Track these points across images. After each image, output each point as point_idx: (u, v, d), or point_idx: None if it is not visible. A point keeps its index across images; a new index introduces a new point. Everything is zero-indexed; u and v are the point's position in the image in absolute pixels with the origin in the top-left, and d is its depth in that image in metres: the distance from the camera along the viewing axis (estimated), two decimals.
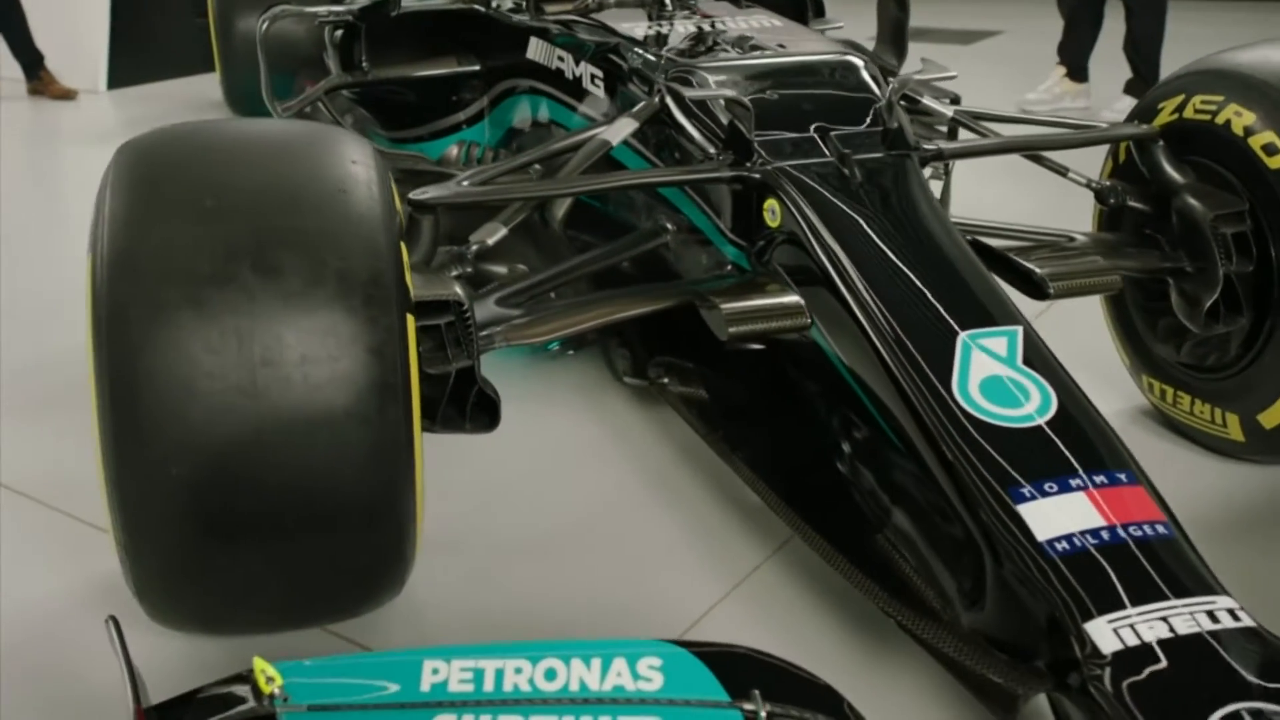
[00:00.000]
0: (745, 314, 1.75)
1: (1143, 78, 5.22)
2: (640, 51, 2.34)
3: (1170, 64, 5.38)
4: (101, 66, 6.51)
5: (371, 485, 1.58)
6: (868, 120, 2.05)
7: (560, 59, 2.73)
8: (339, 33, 3.39)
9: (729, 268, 2.07)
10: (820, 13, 3.40)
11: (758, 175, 1.94)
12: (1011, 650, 1.42)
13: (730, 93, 1.98)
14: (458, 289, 1.77)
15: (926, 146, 2.06)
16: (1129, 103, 5.23)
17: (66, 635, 1.93)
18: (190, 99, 6.22)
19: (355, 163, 1.69)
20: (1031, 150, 2.22)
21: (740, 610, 1.94)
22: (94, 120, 6.04)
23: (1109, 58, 5.59)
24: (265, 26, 3.16)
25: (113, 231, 1.54)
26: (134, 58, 6.61)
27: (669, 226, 2.28)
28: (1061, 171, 2.22)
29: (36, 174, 5.24)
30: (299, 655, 1.83)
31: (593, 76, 2.55)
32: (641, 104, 2.15)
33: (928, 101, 2.27)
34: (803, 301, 1.78)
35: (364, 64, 3.35)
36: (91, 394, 1.55)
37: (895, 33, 2.72)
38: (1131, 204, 2.19)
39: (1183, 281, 2.12)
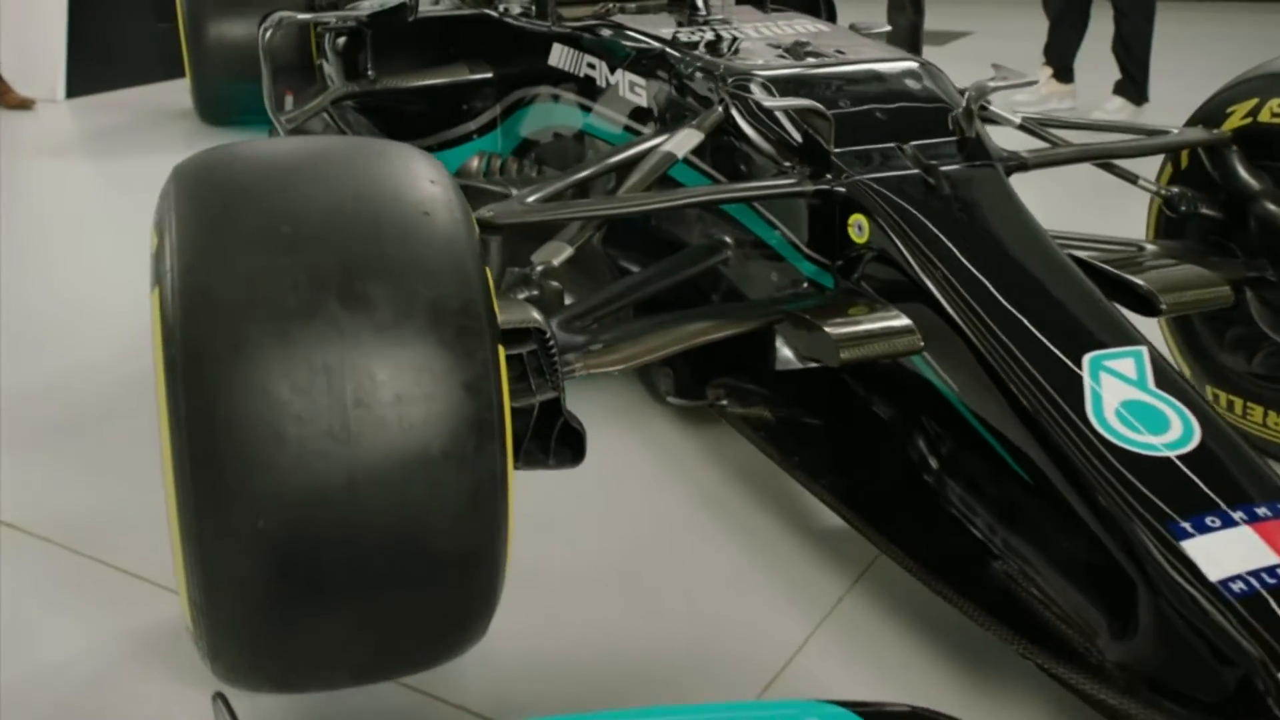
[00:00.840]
0: (858, 338, 1.65)
1: (1132, 78, 5.21)
2: (692, 59, 2.24)
3: (1158, 64, 5.40)
4: (59, 75, 6.28)
5: (468, 531, 1.46)
6: (945, 129, 1.97)
7: (590, 66, 2.62)
8: (341, 40, 3.26)
9: (804, 285, 1.98)
10: (832, 17, 3.32)
11: (842, 189, 1.84)
12: (1177, 694, 1.34)
13: (808, 102, 1.89)
14: (537, 314, 1.66)
15: (1008, 156, 1.98)
16: (1119, 103, 5.22)
17: (115, 700, 1.78)
18: (155, 107, 6.03)
19: (434, 182, 1.57)
20: (1107, 158, 2.15)
21: (833, 646, 1.84)
22: (54, 130, 5.82)
23: (1091, 58, 5.58)
24: (268, 34, 3.01)
25: (183, 263, 1.41)
26: (92, 66, 6.38)
27: (728, 241, 2.18)
28: (1131, 179, 2.16)
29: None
30: (371, 710, 1.74)
31: (632, 85, 2.44)
32: (704, 114, 2.05)
33: (994, 109, 2.20)
34: (912, 323, 1.68)
35: (369, 72, 3.21)
36: (164, 442, 1.42)
37: (911, 36, 2.65)
38: (1202, 210, 2.13)
39: (1263, 290, 2.05)
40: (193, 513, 1.38)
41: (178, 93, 6.12)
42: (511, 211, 1.80)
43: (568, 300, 2.01)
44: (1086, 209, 2.57)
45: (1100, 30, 5.57)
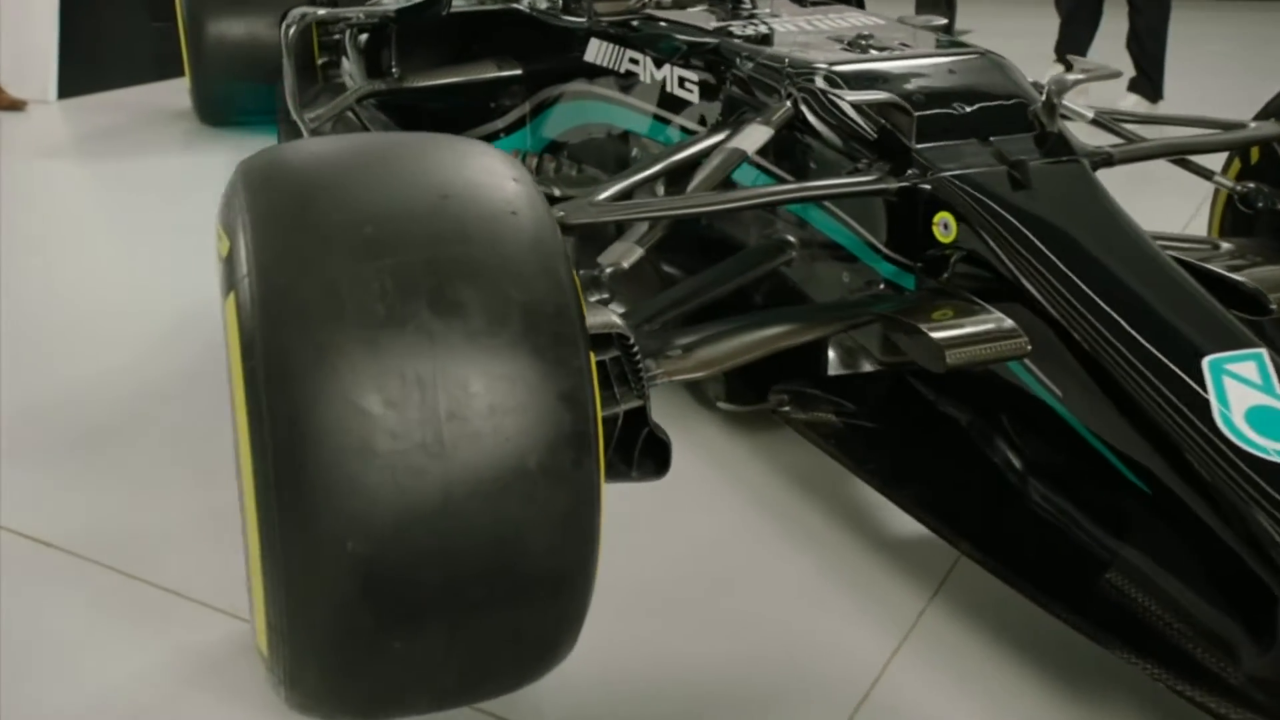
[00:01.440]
0: (962, 341, 1.58)
1: (1147, 75, 5.17)
2: (751, 54, 2.16)
3: (1173, 61, 5.37)
4: (51, 76, 6.14)
5: (563, 550, 1.39)
6: (1025, 124, 1.90)
7: (633, 62, 2.54)
8: (364, 37, 3.16)
9: (880, 286, 1.90)
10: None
11: (928, 186, 1.77)
12: None
13: (889, 96, 1.81)
14: (617, 318, 1.58)
15: (1093, 151, 1.92)
16: (1134, 100, 5.18)
17: None
18: (151, 107, 5.90)
19: (516, 180, 1.49)
20: (1188, 153, 2.09)
21: (920, 663, 1.77)
22: (48, 131, 5.69)
23: (1103, 55, 5.54)
24: (291, 31, 2.91)
25: (262, 267, 1.32)
26: (84, 66, 6.25)
27: (792, 241, 2.11)
28: (1207, 175, 2.09)
29: None
30: None
31: (682, 80, 2.36)
32: (770, 109, 1.98)
33: (1067, 103, 2.13)
34: (1017, 326, 1.61)
35: (394, 69, 3.12)
36: (242, 458, 1.34)
37: (945, 33, 2.57)
38: (1278, 207, 2.07)
39: None
40: (276, 533, 1.29)
41: (174, 93, 6.00)
42: (584, 211, 1.72)
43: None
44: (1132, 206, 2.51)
45: (1110, 29, 5.54)
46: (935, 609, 1.89)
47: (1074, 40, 5.42)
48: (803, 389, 2.13)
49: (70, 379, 2.78)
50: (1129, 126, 2.16)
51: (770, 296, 2.18)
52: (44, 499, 2.26)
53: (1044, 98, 1.92)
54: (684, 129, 2.38)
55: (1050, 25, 5.88)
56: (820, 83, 1.96)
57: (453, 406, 1.30)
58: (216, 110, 5.31)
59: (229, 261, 1.39)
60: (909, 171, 1.81)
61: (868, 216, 1.90)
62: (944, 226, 1.75)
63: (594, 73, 2.71)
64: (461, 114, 3.12)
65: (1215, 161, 2.31)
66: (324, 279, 1.31)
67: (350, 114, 3.10)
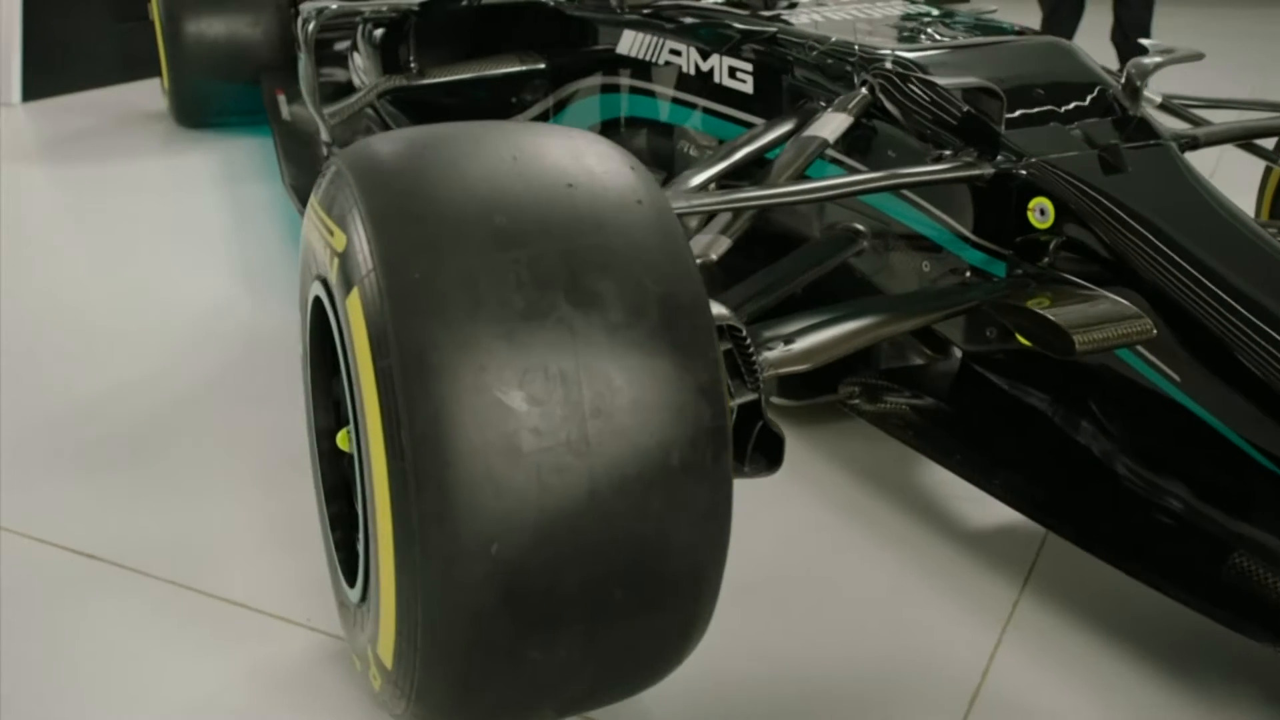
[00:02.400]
0: (1088, 324, 1.54)
1: None
2: (816, 42, 2.12)
3: None
4: (15, 78, 5.97)
5: (701, 547, 1.34)
6: (1107, 108, 1.88)
7: (674, 53, 2.50)
8: (378, 32, 3.09)
9: (968, 274, 1.87)
10: None
11: (1023, 172, 1.74)
12: None
13: (980, 80, 1.78)
14: (727, 310, 1.54)
15: (1178, 134, 1.90)
16: None
17: None
18: (123, 109, 5.75)
19: (634, 169, 1.44)
20: (1262, 135, 2.08)
21: (1023, 655, 1.74)
22: (17, 135, 5.52)
23: (1086, 47, 5.58)
24: (310, 26, 2.82)
25: (389, 261, 1.26)
26: (50, 68, 6.09)
27: (862, 230, 2.07)
28: (1274, 159, 2.09)
29: None
30: None
31: (733, 70, 2.32)
32: (846, 97, 1.94)
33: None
34: (1138, 309, 1.58)
35: (412, 64, 3.05)
36: (375, 462, 1.27)
37: None
38: None
39: None
40: (416, 538, 1.23)
41: (145, 94, 5.86)
42: (679, 201, 1.67)
43: None
44: None
45: (1093, 23, 5.58)
46: (1028, 599, 1.87)
47: (1058, 31, 5.43)
48: (873, 381, 2.10)
49: (81, 389, 2.68)
50: (1197, 111, 2.15)
51: (841, 289, 2.14)
52: (80, 510, 2.17)
53: (1123, 81, 1.90)
54: (734, 120, 2.34)
55: (1033, 18, 5.92)
56: (903, 71, 1.93)
57: (597, 402, 1.25)
58: (195, 111, 5.19)
59: (345, 256, 1.33)
60: (999, 157, 1.78)
61: (952, 203, 1.87)
62: (1040, 212, 1.73)
63: (628, 65, 2.66)
64: (482, 108, 3.06)
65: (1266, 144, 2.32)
66: (460, 271, 1.26)
67: (370, 110, 3.03)
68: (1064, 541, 1.96)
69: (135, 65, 6.15)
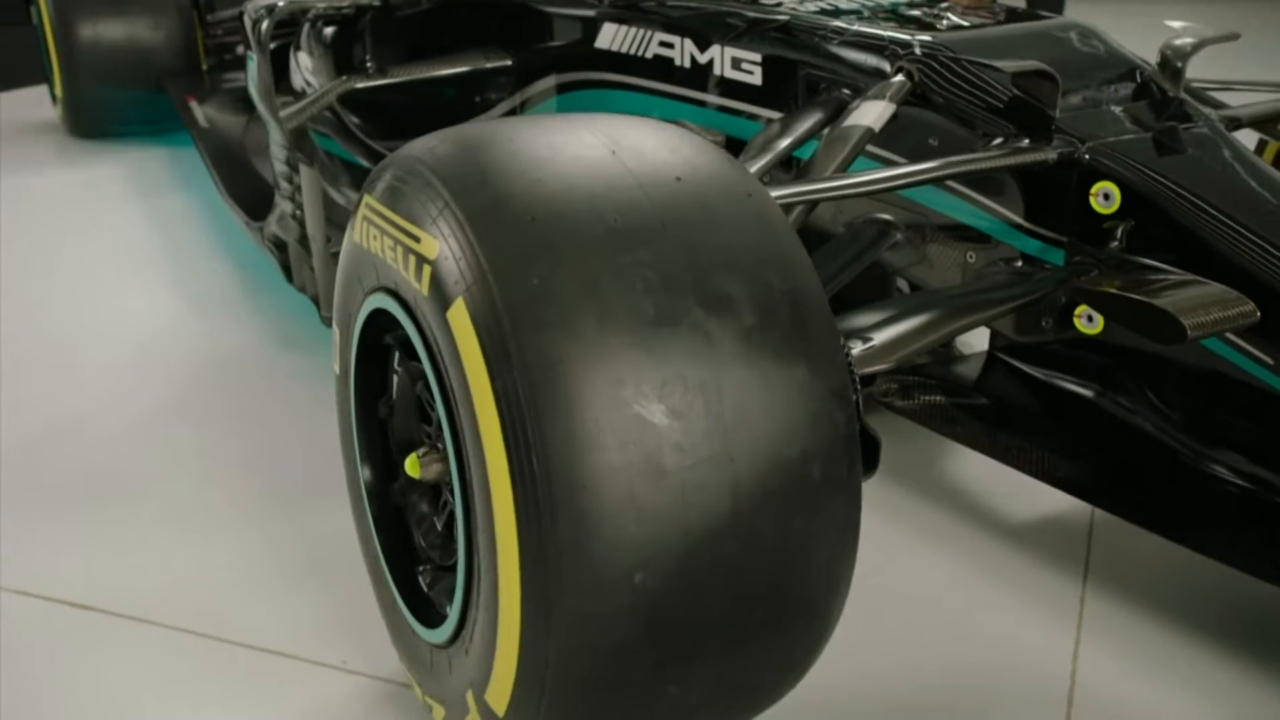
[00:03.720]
0: (1197, 308, 1.50)
1: None
2: (838, 30, 2.04)
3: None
4: None
5: (838, 562, 1.25)
6: (1148, 90, 1.85)
7: (666, 45, 2.40)
8: (329, 30, 2.91)
9: (1018, 263, 1.82)
10: None
11: (1086, 156, 1.70)
12: None
13: (1036, 64, 1.73)
14: None
15: (1221, 116, 1.88)
16: None
17: None
18: (5, 120, 5.37)
19: (730, 161, 1.35)
20: None
21: (1104, 651, 1.70)
22: None
23: None
24: (264, 25, 2.63)
25: (500, 268, 1.14)
26: None
27: (892, 222, 2.01)
28: None
29: None
30: None
31: (737, 62, 2.24)
32: (883, 85, 1.87)
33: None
34: (1239, 293, 1.54)
35: (368, 64, 2.88)
36: (497, 489, 1.15)
37: None
38: None
39: None
40: (549, 572, 1.12)
41: (29, 103, 5.50)
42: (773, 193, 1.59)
43: None
44: None
45: None
46: (1093, 593, 1.83)
47: None
48: (908, 377, 2.04)
49: (34, 428, 2.44)
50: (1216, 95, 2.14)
51: (874, 284, 2.08)
52: (63, 558, 1.97)
53: (1160, 62, 1.88)
54: (738, 113, 2.25)
55: None
56: (940, 56, 1.86)
57: (737, 413, 1.15)
58: (91, 121, 4.88)
59: (439, 264, 1.20)
60: (1055, 141, 1.73)
61: (1001, 190, 1.82)
62: (1104, 197, 1.68)
63: (609, 59, 2.55)
64: (442, 108, 2.91)
65: None
66: (582, 276, 1.14)
67: (329, 113, 2.86)
68: (1110, 529, 1.95)
69: (9, 73, 5.77)
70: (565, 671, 1.16)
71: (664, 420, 1.12)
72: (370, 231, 1.37)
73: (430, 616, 1.45)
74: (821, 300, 1.25)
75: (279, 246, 2.82)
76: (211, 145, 3.75)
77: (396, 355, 1.51)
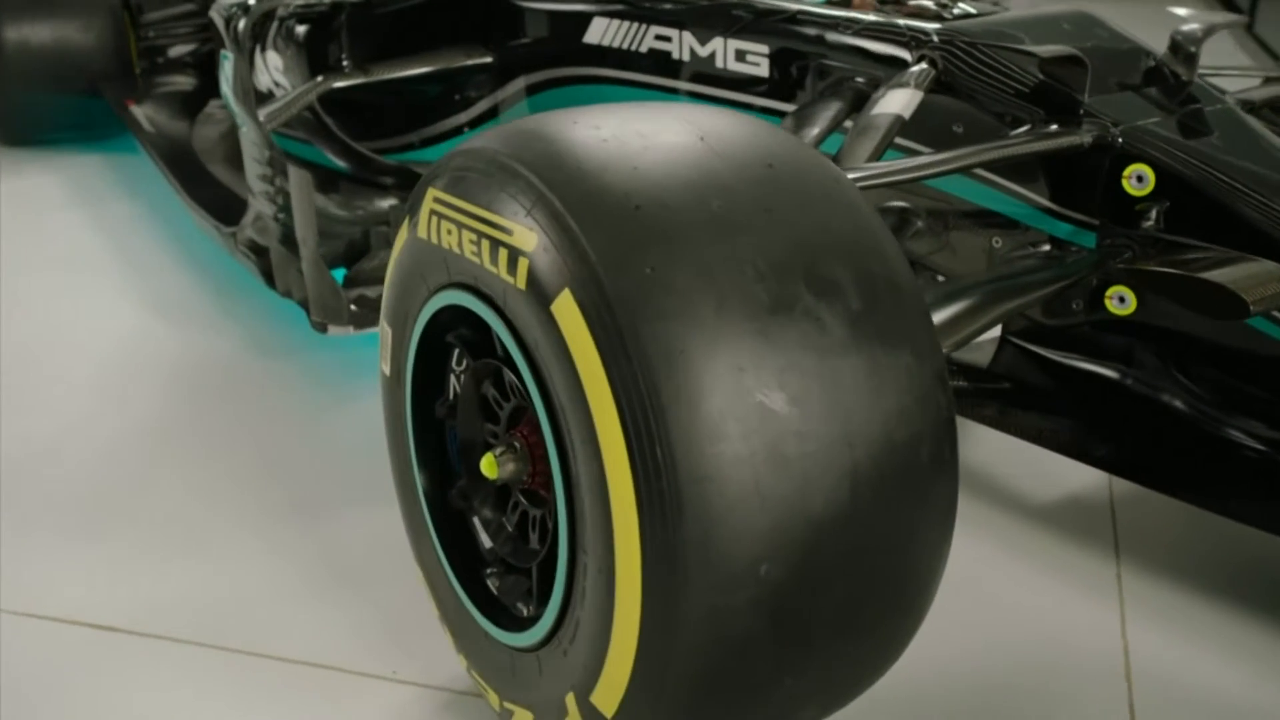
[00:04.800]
0: (1254, 283, 1.52)
1: None
2: (850, 20, 2.04)
3: None
4: None
5: (940, 546, 1.25)
6: (1162, 75, 1.89)
7: (662, 39, 2.38)
8: (301, 28, 2.84)
9: (1046, 247, 1.84)
10: None
11: (1120, 139, 1.72)
12: None
13: (1067, 49, 1.75)
14: None
15: (1235, 100, 1.92)
16: None
17: None
18: None
19: (812, 150, 1.34)
20: None
21: (1150, 627, 1.72)
22: None
23: None
24: (242, 24, 2.54)
25: (609, 257, 1.12)
26: None
27: (910, 208, 2.02)
28: None
29: None
30: None
31: (741, 54, 2.23)
32: (907, 73, 1.87)
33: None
34: None
35: (344, 62, 2.81)
36: (617, 485, 1.12)
37: None
38: None
39: None
40: (675, 567, 1.09)
41: None
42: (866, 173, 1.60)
43: None
44: None
45: None
46: (1128, 569, 1.86)
47: None
48: None
49: (19, 446, 2.35)
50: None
51: None
52: (74, 577, 1.89)
53: (1170, 48, 1.92)
54: (743, 105, 2.24)
55: None
56: (963, 43, 1.88)
57: (853, 398, 1.14)
58: (19, 128, 4.68)
59: (538, 256, 1.17)
60: (1084, 126, 1.76)
61: (1029, 175, 1.84)
62: (1138, 179, 1.71)
63: (599, 54, 2.53)
64: (419, 108, 2.86)
65: None
66: (695, 263, 1.12)
67: (308, 113, 2.78)
68: (1129, 505, 2.00)
69: None
70: (686, 669, 1.14)
71: (785, 408, 1.11)
72: (442, 226, 1.33)
73: (506, 620, 1.42)
74: (915, 285, 1.25)
75: (256, 251, 2.74)
76: (163, 150, 3.63)
77: (455, 354, 1.47)
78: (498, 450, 1.37)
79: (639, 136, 1.25)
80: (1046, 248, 1.85)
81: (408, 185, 2.78)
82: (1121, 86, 1.86)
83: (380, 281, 2.68)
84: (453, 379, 1.50)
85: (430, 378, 1.50)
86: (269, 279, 2.68)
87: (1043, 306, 1.86)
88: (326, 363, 2.63)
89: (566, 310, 1.15)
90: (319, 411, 2.44)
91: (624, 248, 1.13)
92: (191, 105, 4.30)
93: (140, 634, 1.75)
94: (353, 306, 2.39)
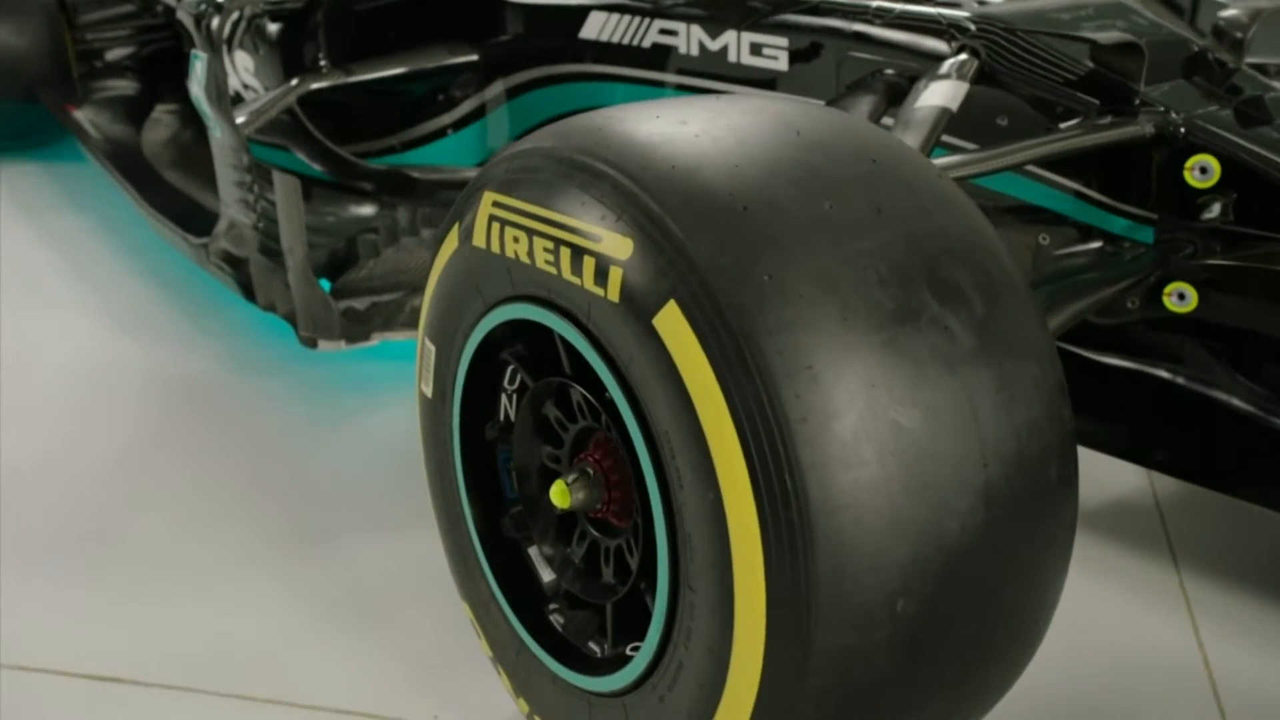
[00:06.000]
0: None
1: None
2: (879, 11, 1.95)
3: None
4: None
5: (1063, 569, 1.17)
6: (1207, 61, 1.82)
7: (668, 33, 2.27)
8: (273, 27, 2.68)
9: (1099, 245, 1.77)
10: None
11: (1183, 129, 1.65)
12: None
13: (1124, 35, 1.68)
14: None
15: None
16: None
17: None
18: None
19: (904, 144, 1.25)
20: None
21: (1223, 633, 1.66)
22: None
23: None
24: (215, 23, 2.37)
25: (722, 262, 1.01)
26: None
27: None
28: None
29: None
30: None
31: (756, 47, 2.13)
32: (950, 63, 1.79)
33: None
34: None
35: (321, 62, 2.66)
36: (736, 514, 1.01)
37: None
38: None
39: None
40: (804, 605, 0.99)
41: None
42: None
43: None
44: None
45: None
46: (1188, 575, 1.79)
47: None
48: None
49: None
50: None
51: None
52: (61, 624, 1.74)
53: (1215, 33, 1.85)
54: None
55: None
56: (1007, 32, 1.80)
57: (986, 413, 1.05)
58: None
59: (633, 264, 1.06)
60: (1140, 116, 1.69)
61: (1079, 168, 1.76)
62: (1201, 170, 1.64)
63: (596, 50, 2.42)
64: (401, 107, 2.72)
65: None
66: (815, 269, 1.02)
67: (284, 116, 2.63)
68: (1177, 509, 1.94)
69: None
70: (811, 714, 1.04)
71: (920, 425, 1.01)
72: (506, 233, 1.21)
73: (579, 661, 1.30)
74: (1028, 287, 1.16)
75: (231, 263, 2.58)
76: (114, 156, 3.44)
77: (509, 372, 1.35)
78: (569, 477, 1.26)
79: (731, 131, 1.14)
80: (1098, 244, 1.78)
81: (395, 191, 2.64)
82: (1168, 75, 1.79)
83: (370, 292, 2.54)
84: (504, 399, 1.38)
85: (481, 398, 1.38)
86: (247, 292, 2.53)
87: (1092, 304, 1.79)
88: (314, 378, 2.48)
89: (672, 324, 1.03)
90: (313, 431, 2.29)
91: (736, 253, 1.02)
92: (137, 110, 4.11)
93: (150, 684, 1.60)
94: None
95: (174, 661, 1.64)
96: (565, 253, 1.13)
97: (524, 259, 1.19)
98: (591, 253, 1.10)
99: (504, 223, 1.21)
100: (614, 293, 1.08)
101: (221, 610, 1.76)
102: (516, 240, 1.20)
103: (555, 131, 1.22)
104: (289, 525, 1.97)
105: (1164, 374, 1.82)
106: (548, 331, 1.23)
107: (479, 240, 1.26)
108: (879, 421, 0.99)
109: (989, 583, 1.07)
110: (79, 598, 1.80)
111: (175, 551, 1.91)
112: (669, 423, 1.06)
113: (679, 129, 1.14)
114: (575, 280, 1.13)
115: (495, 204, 1.23)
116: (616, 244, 1.08)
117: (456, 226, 1.31)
